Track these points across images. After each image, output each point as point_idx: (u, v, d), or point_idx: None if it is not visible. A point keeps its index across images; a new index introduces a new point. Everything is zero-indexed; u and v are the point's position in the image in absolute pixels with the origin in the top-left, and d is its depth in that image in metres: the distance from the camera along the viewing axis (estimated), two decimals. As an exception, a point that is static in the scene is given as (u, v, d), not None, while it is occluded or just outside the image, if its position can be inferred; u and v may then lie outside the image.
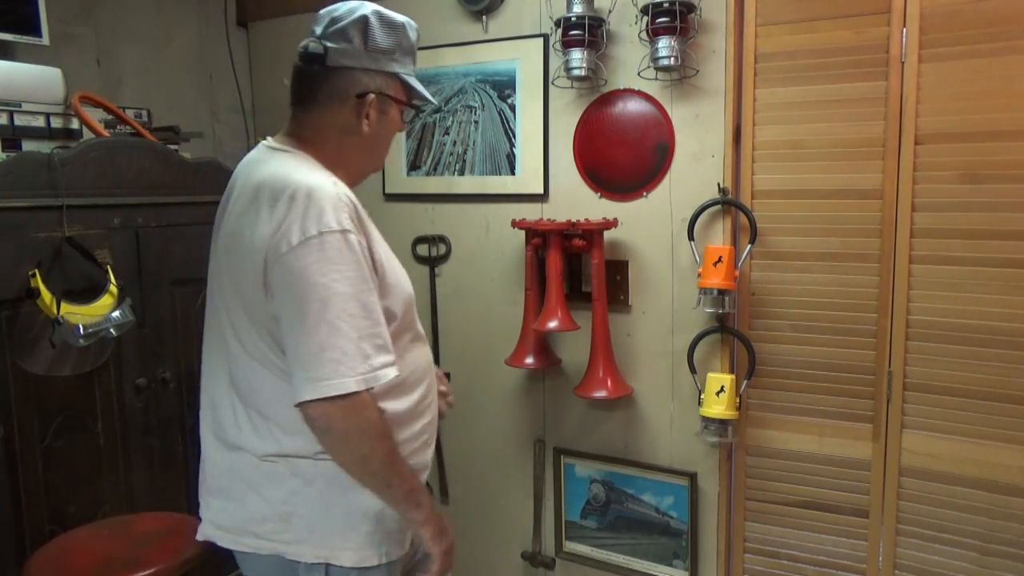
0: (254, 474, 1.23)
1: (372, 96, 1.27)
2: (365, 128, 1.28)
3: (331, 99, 1.27)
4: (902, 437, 1.85)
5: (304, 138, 1.29)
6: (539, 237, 2.15)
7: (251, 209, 1.18)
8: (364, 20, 1.25)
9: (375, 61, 1.27)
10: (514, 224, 2.19)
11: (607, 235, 2.12)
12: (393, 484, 1.20)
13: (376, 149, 1.35)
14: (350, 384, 1.10)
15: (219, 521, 1.28)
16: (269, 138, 1.33)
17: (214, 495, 1.30)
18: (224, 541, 1.28)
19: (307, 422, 1.14)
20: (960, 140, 1.72)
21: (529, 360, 2.19)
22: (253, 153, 1.32)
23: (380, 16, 1.27)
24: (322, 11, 1.28)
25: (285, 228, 1.12)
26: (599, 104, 2.14)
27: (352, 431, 1.14)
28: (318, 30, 1.27)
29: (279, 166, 1.22)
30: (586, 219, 2.10)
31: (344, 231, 1.13)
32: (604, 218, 2.11)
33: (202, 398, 1.34)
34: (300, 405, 1.12)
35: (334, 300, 1.10)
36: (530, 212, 2.26)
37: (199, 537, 1.33)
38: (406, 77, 1.32)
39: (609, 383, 2.08)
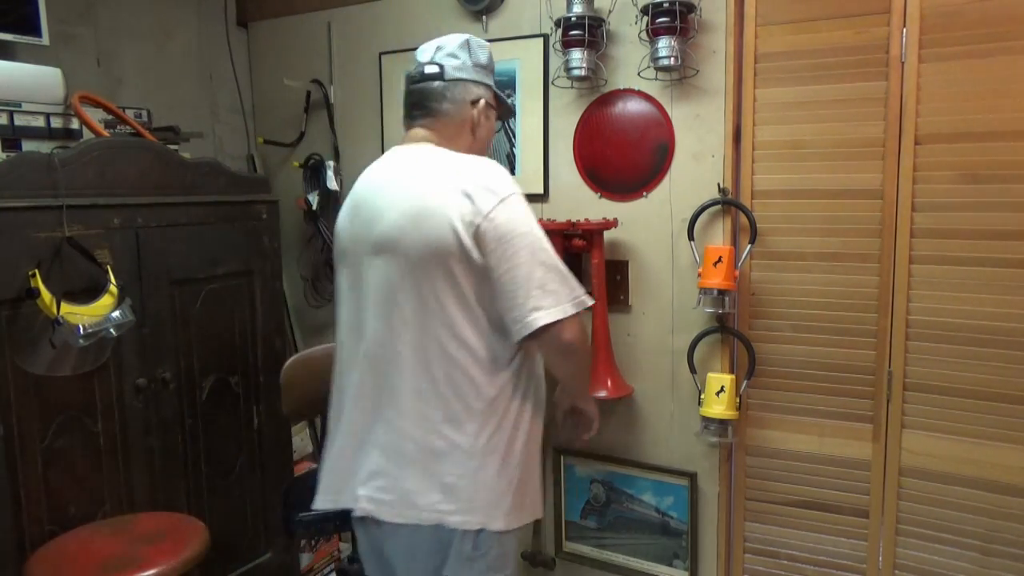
0: (418, 450, 1.35)
1: (483, 102, 1.51)
2: (479, 131, 1.52)
3: (453, 105, 1.48)
4: (902, 437, 1.85)
5: (437, 140, 1.47)
6: None
7: (429, 192, 1.35)
8: (467, 41, 1.51)
9: (479, 74, 1.51)
10: None
11: (607, 235, 2.12)
12: (584, 379, 1.63)
13: (485, 150, 1.56)
14: (569, 308, 1.33)
15: (379, 496, 1.38)
16: (397, 147, 1.49)
17: (373, 471, 1.39)
18: (384, 515, 1.38)
19: (549, 347, 1.37)
20: (960, 140, 1.73)
21: None
22: (394, 155, 1.47)
23: (475, 39, 1.53)
24: (424, 45, 1.52)
25: (481, 196, 1.31)
26: (599, 104, 2.14)
27: (576, 347, 1.37)
28: (426, 57, 1.50)
29: (442, 155, 1.42)
30: (586, 219, 2.10)
31: (521, 194, 1.36)
32: (604, 218, 2.11)
33: (349, 377, 1.46)
34: (536, 332, 1.31)
35: (537, 244, 1.33)
36: (530, 212, 2.26)
37: (358, 514, 1.41)
38: (495, 89, 1.56)
39: (609, 383, 2.08)
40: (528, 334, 1.31)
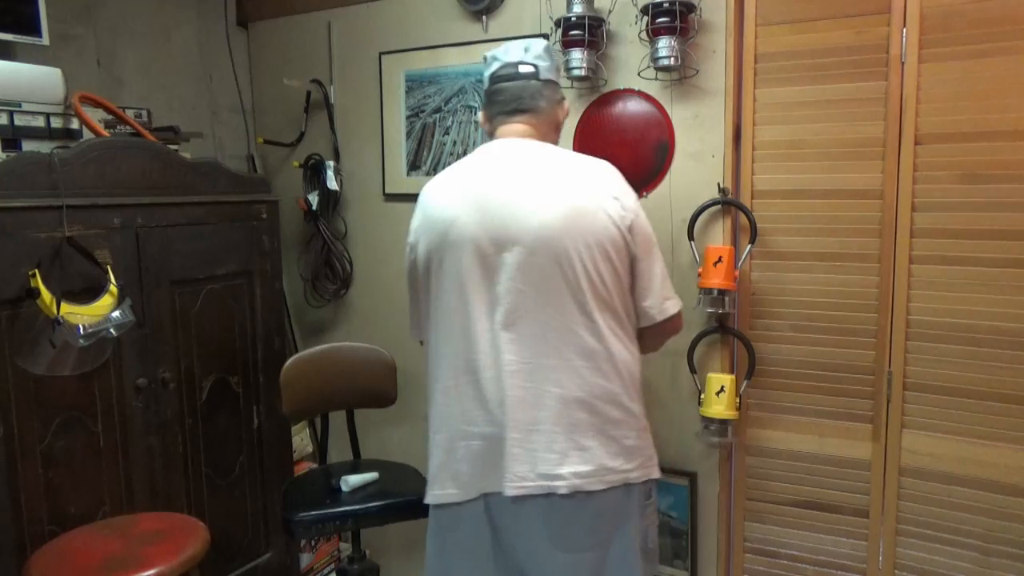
0: (603, 423, 1.45)
1: (565, 103, 1.66)
2: (560, 129, 1.66)
3: (548, 104, 1.59)
4: (902, 437, 1.85)
5: (538, 137, 1.58)
6: None
7: (583, 191, 1.46)
8: (548, 46, 1.63)
9: (558, 75, 1.66)
10: None
11: (607, 235, 2.11)
12: None
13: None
14: (679, 299, 1.58)
15: (582, 469, 1.44)
16: (501, 138, 1.57)
17: (565, 449, 1.44)
18: (590, 486, 1.45)
19: (668, 330, 1.58)
20: (960, 140, 1.73)
21: None
22: (510, 149, 1.54)
23: (550, 45, 1.65)
24: (507, 45, 1.62)
25: (626, 196, 1.49)
26: (599, 104, 2.14)
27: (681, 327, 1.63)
28: (514, 57, 1.58)
29: (561, 152, 1.55)
30: None
31: None
32: None
33: (487, 367, 1.46)
34: (668, 318, 1.54)
35: (656, 244, 1.55)
36: (530, 212, 2.26)
37: (565, 490, 1.43)
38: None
39: None
40: (661, 320, 1.53)
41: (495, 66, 1.60)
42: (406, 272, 1.63)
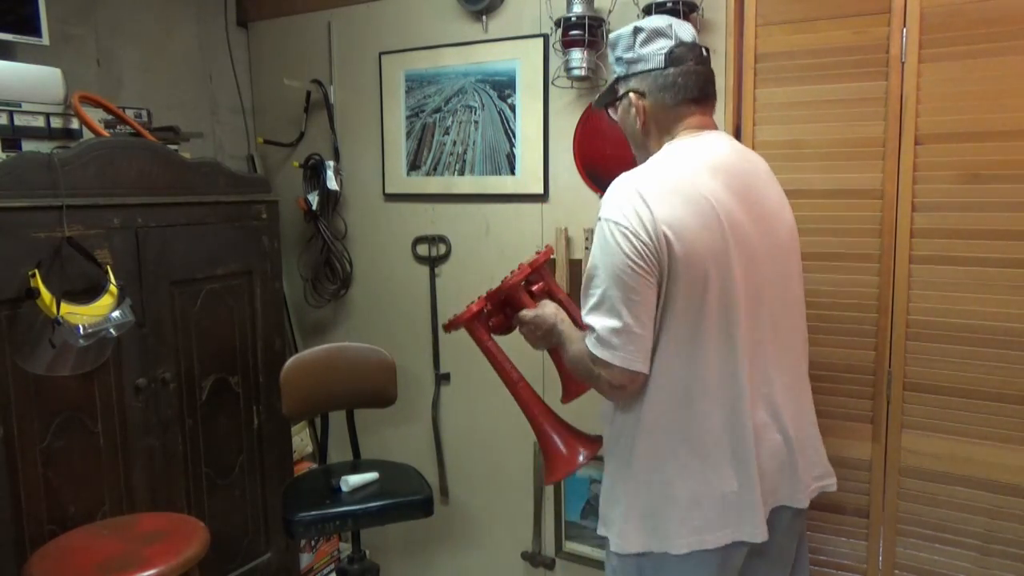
0: (818, 436, 1.50)
1: None
2: None
3: None
4: (902, 437, 1.85)
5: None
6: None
7: (783, 199, 1.45)
8: None
9: None
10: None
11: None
12: None
13: None
14: None
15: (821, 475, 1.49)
16: (705, 131, 1.39)
17: (804, 458, 1.43)
18: (822, 490, 1.49)
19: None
20: (960, 140, 1.72)
21: None
22: (726, 141, 1.41)
23: None
24: (674, 22, 1.39)
25: None
26: (599, 104, 2.14)
27: None
28: (689, 36, 1.39)
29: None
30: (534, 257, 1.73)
31: None
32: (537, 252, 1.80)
33: (787, 380, 1.42)
34: None
35: None
36: (530, 212, 2.27)
37: (805, 500, 1.43)
38: None
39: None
40: None
41: (665, 43, 1.34)
42: (626, 274, 1.24)
